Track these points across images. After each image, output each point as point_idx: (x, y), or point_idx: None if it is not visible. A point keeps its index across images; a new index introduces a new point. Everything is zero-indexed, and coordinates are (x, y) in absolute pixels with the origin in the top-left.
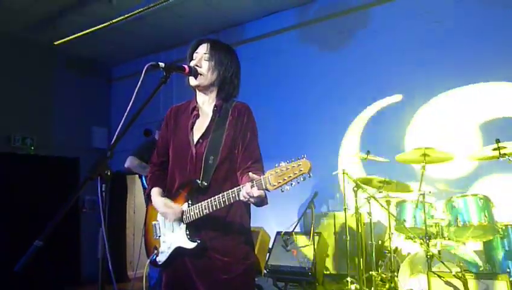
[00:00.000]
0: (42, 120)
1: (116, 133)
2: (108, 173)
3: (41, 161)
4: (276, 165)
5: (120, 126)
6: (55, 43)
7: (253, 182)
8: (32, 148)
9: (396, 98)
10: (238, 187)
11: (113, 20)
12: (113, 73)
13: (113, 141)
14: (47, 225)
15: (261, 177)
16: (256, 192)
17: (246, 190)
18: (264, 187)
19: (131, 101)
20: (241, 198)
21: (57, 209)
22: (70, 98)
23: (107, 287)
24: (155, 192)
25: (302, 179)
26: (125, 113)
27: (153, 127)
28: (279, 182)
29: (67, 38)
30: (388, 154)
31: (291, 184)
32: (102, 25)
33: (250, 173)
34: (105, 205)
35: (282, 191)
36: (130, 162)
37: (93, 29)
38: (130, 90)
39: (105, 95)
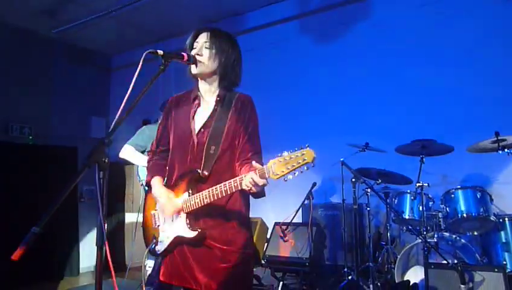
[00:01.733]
0: (40, 109)
1: (114, 121)
2: (106, 161)
3: (40, 151)
4: (279, 154)
5: (118, 114)
6: (54, 32)
7: (256, 171)
8: (31, 137)
9: None
10: (241, 176)
11: (112, 9)
12: (113, 63)
13: (111, 129)
14: (45, 212)
15: (265, 166)
16: (260, 181)
17: (249, 179)
18: (267, 176)
19: (130, 89)
20: (244, 187)
21: (55, 198)
22: (69, 88)
23: (105, 276)
24: (156, 181)
25: (305, 168)
26: (124, 101)
27: (152, 117)
28: (283, 171)
29: (66, 27)
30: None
31: (295, 173)
32: (101, 14)
33: (253, 162)
34: (103, 193)
35: (285, 181)
36: (125, 151)
37: (91, 17)
38: (130, 80)
39: (104, 84)
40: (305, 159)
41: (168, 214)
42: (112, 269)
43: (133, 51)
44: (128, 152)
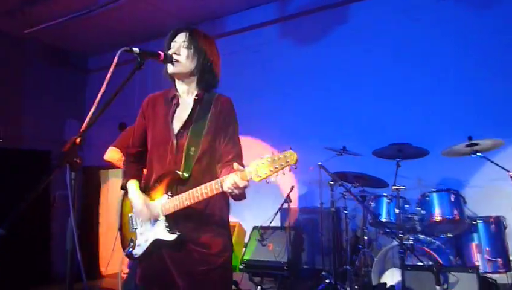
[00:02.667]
0: (12, 111)
1: (87, 120)
2: (78, 161)
3: (11, 154)
4: (261, 157)
5: (91, 112)
6: (26, 31)
7: (238, 173)
8: (1, 140)
9: None
10: (222, 178)
11: (90, 10)
12: (89, 64)
13: (83, 128)
14: (11, 212)
15: (247, 168)
16: (241, 183)
17: (231, 181)
18: (249, 178)
19: (103, 87)
20: (225, 189)
21: (23, 199)
22: (42, 90)
23: (78, 284)
24: (132, 185)
25: (288, 170)
26: (97, 99)
27: (128, 121)
28: (266, 173)
29: (39, 27)
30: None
31: (277, 175)
32: (78, 14)
33: (235, 164)
34: (75, 194)
35: (268, 183)
36: (110, 154)
37: (68, 17)
38: None
39: (80, 86)
40: (288, 161)
41: (144, 220)
42: (82, 273)
43: (110, 53)
44: (113, 154)
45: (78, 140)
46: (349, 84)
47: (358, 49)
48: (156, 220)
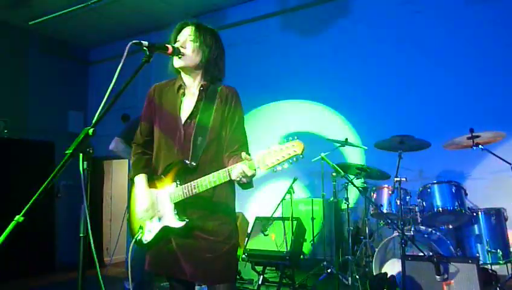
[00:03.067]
0: (16, 103)
1: (98, 112)
2: (91, 151)
3: (15, 145)
4: (268, 147)
5: (102, 104)
6: (30, 23)
7: (246, 162)
8: (6, 131)
9: None
10: (230, 167)
11: (90, 2)
12: (91, 56)
13: (95, 119)
14: (27, 201)
15: (254, 156)
16: (249, 171)
17: (239, 170)
18: (256, 167)
19: (114, 79)
20: (233, 177)
21: (33, 191)
22: (46, 81)
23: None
24: (139, 181)
25: (294, 159)
26: (108, 91)
27: (130, 111)
28: (273, 162)
29: (43, 18)
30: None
31: (284, 165)
32: (79, 6)
33: (243, 154)
34: (88, 183)
35: (275, 172)
36: (115, 144)
37: (70, 9)
38: (108, 73)
39: (82, 78)
40: (295, 151)
41: (146, 218)
42: (96, 260)
43: (111, 45)
44: (119, 145)
45: (90, 131)
46: (351, 77)
47: (359, 42)
48: (165, 206)
